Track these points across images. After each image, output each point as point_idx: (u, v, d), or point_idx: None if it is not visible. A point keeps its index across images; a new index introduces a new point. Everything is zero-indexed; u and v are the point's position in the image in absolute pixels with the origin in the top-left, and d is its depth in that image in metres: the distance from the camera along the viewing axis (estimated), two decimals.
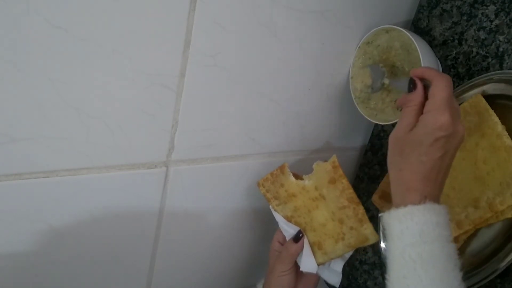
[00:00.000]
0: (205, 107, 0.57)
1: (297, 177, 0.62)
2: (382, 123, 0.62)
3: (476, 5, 0.58)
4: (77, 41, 0.45)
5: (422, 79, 0.50)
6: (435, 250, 0.44)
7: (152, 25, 0.48)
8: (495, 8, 0.56)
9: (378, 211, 0.69)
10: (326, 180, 0.59)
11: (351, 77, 0.65)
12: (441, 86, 0.47)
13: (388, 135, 0.70)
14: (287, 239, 0.62)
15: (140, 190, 0.58)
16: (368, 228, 0.58)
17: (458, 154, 0.57)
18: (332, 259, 0.62)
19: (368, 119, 0.63)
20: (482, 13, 0.57)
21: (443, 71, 0.62)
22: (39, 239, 0.54)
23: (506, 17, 0.55)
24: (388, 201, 0.65)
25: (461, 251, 0.58)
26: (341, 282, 0.64)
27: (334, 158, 0.59)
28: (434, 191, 0.47)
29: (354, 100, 0.65)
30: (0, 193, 0.49)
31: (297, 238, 0.61)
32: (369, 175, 0.74)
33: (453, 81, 0.61)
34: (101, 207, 0.56)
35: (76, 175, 0.52)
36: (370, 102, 0.64)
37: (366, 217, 0.58)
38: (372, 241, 0.59)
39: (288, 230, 0.62)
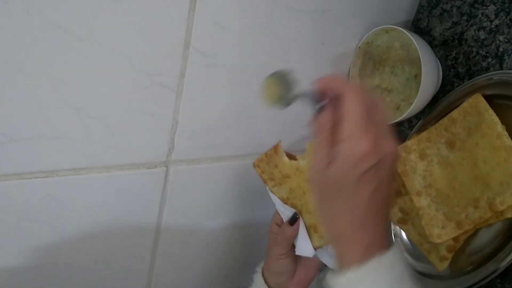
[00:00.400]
0: (205, 107, 0.57)
1: (291, 157, 0.58)
2: None
3: (476, 5, 0.58)
4: (77, 41, 0.45)
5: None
6: None
7: (152, 25, 0.48)
8: (495, 8, 0.56)
9: None
10: None
11: (351, 77, 0.65)
12: (352, 102, 0.38)
13: None
14: (284, 221, 0.58)
15: (140, 190, 0.58)
16: None
17: (458, 154, 0.57)
18: (329, 243, 0.57)
19: None
20: (482, 13, 0.57)
21: (443, 71, 0.62)
22: (39, 239, 0.54)
23: (506, 17, 0.55)
24: None
25: (461, 251, 0.58)
26: None
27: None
28: (376, 235, 0.38)
29: None
30: (0, 193, 0.49)
31: (293, 220, 0.57)
32: None
33: (453, 81, 0.61)
34: (101, 207, 0.57)
35: (76, 175, 0.52)
36: None
37: None
38: None
39: (285, 212, 0.59)
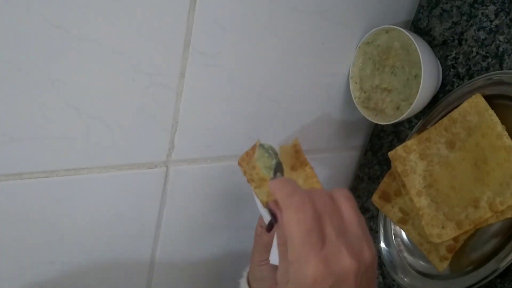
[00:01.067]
0: (205, 107, 0.57)
1: None
2: (382, 123, 0.62)
3: (476, 5, 0.58)
4: (77, 41, 0.45)
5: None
6: None
7: (152, 25, 0.48)
8: (495, 8, 0.56)
9: (378, 211, 0.69)
10: (288, 166, 0.52)
11: (351, 77, 0.65)
12: (291, 223, 0.34)
13: (388, 135, 0.71)
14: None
15: (140, 190, 0.58)
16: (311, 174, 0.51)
17: (458, 154, 0.57)
18: None
19: (368, 119, 0.63)
20: (482, 13, 0.57)
21: (443, 71, 0.62)
22: (38, 239, 0.54)
23: (506, 17, 0.55)
24: (388, 201, 0.65)
25: (461, 251, 0.58)
26: None
27: (296, 140, 0.52)
28: None
29: (354, 100, 0.65)
30: (0, 193, 0.49)
31: (270, 227, 0.49)
32: (369, 175, 0.74)
33: (453, 81, 0.61)
34: (101, 207, 0.57)
35: (76, 175, 0.52)
36: (370, 102, 0.64)
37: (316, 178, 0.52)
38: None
39: (265, 215, 0.55)
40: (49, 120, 0.47)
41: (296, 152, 0.51)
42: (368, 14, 0.62)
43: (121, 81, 0.49)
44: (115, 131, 0.52)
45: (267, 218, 0.54)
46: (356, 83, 0.65)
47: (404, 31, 0.58)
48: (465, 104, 0.56)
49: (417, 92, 0.56)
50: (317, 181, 0.49)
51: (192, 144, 0.58)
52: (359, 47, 0.63)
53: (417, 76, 0.59)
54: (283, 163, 0.51)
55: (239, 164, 0.57)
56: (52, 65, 0.45)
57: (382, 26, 0.60)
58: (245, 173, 0.56)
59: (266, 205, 0.54)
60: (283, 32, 0.56)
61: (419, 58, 0.56)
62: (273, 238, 0.53)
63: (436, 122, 0.59)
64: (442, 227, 0.57)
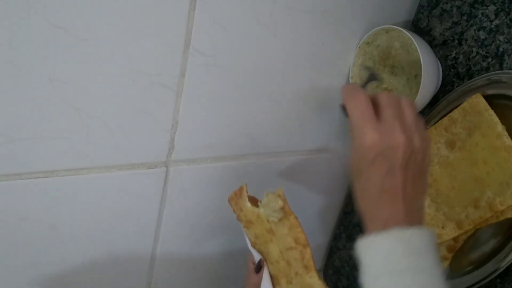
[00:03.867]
0: (205, 107, 0.57)
1: (254, 202, 0.56)
2: None
3: (476, 5, 0.58)
4: (77, 41, 0.45)
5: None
6: (406, 282, 0.39)
7: (152, 25, 0.48)
8: (495, 8, 0.56)
9: None
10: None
11: (351, 77, 0.65)
12: (349, 108, 0.44)
13: None
14: (255, 262, 0.58)
15: (140, 190, 0.58)
16: (313, 277, 0.51)
17: (458, 154, 0.57)
18: None
19: None
20: (482, 13, 0.57)
21: (443, 71, 0.62)
22: (39, 239, 0.54)
23: (506, 17, 0.55)
24: None
25: (461, 251, 0.58)
26: (341, 282, 0.64)
27: (280, 190, 0.53)
28: (397, 214, 0.41)
29: None
30: (0, 193, 0.49)
31: (258, 268, 0.56)
32: None
33: (453, 81, 0.61)
34: (101, 207, 0.57)
35: (76, 175, 0.52)
36: None
37: (312, 263, 0.52)
38: None
39: (255, 254, 0.58)
40: (49, 120, 0.47)
41: (283, 200, 0.53)
42: (368, 14, 0.62)
43: (121, 81, 0.49)
44: (115, 131, 0.52)
45: (256, 257, 0.57)
46: (356, 83, 0.65)
47: (404, 31, 0.58)
48: (465, 104, 0.56)
49: (417, 92, 0.56)
50: (301, 230, 0.52)
51: (192, 144, 0.58)
52: (359, 47, 0.63)
53: (417, 76, 0.59)
54: (270, 210, 0.53)
55: (229, 202, 0.58)
56: (52, 65, 0.45)
57: (382, 26, 0.60)
58: (234, 211, 0.57)
59: (253, 244, 0.57)
60: (283, 32, 0.56)
61: (419, 58, 0.56)
62: (261, 279, 0.56)
63: (436, 122, 0.59)
64: (442, 227, 0.57)
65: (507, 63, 0.55)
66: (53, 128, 0.48)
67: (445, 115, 0.58)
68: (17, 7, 0.41)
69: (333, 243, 0.82)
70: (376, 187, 0.42)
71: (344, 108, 0.45)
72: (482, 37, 0.57)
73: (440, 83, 0.61)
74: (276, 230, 0.54)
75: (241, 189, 0.56)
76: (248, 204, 0.55)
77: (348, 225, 0.78)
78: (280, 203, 0.52)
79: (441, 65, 0.62)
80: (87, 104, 0.49)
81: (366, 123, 0.42)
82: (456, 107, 0.57)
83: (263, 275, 0.56)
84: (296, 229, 0.52)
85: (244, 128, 0.61)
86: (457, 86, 0.60)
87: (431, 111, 0.61)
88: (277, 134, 0.65)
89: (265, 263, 0.56)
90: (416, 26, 0.65)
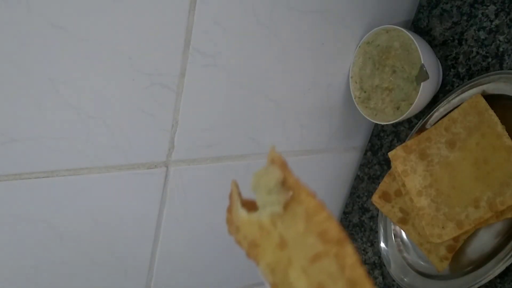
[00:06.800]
0: (205, 107, 0.57)
1: (251, 206, 0.34)
2: (382, 123, 0.62)
3: (476, 5, 0.58)
4: (77, 41, 0.45)
5: None
6: None
7: (152, 25, 0.48)
8: (495, 8, 0.56)
9: (378, 211, 0.69)
10: (273, 203, 0.31)
11: (351, 77, 0.65)
12: None
13: (388, 135, 0.71)
14: None
15: (140, 190, 0.58)
16: None
17: (458, 154, 0.57)
18: None
19: (368, 119, 0.63)
20: (482, 13, 0.57)
21: (443, 71, 0.62)
22: (39, 239, 0.54)
23: (506, 17, 0.55)
24: (388, 201, 0.65)
25: (461, 251, 0.58)
26: None
27: (271, 151, 0.31)
28: None
29: (354, 100, 0.65)
30: (0, 193, 0.49)
31: None
32: (369, 175, 0.74)
33: (453, 81, 0.61)
34: (101, 207, 0.56)
35: (76, 175, 0.52)
36: (370, 102, 0.64)
37: (362, 273, 0.27)
38: None
39: None
40: (49, 120, 0.47)
41: (281, 166, 0.30)
42: (368, 14, 0.62)
43: (121, 81, 0.49)
44: (115, 131, 0.52)
45: None
46: (356, 82, 0.65)
47: (405, 30, 0.58)
48: (465, 104, 0.56)
49: (417, 92, 0.56)
50: (326, 215, 0.28)
51: (192, 144, 0.58)
52: (359, 46, 0.63)
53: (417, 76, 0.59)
54: (261, 194, 0.32)
55: (227, 224, 0.39)
56: (52, 65, 0.45)
57: (382, 26, 0.60)
58: (239, 243, 0.37)
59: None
60: (283, 32, 0.56)
61: (419, 58, 0.56)
62: None
63: (436, 122, 0.59)
64: (442, 227, 0.57)
65: (507, 63, 0.55)
66: (53, 128, 0.48)
67: (445, 115, 0.58)
68: (17, 7, 0.41)
69: None
70: None
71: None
72: (482, 37, 0.57)
73: (440, 83, 0.61)
74: (286, 229, 0.31)
75: (230, 194, 0.37)
76: (243, 213, 0.34)
77: (348, 225, 0.78)
78: (276, 173, 0.29)
79: (441, 65, 0.62)
80: (87, 104, 0.49)
81: None
82: (456, 107, 0.57)
83: None
84: (318, 216, 0.28)
85: (244, 128, 0.61)
86: (457, 86, 0.60)
87: (431, 111, 0.61)
88: (277, 134, 0.65)
89: None
90: (416, 26, 0.65)
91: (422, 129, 0.61)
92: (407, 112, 0.58)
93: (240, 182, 0.67)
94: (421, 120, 0.63)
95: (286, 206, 0.30)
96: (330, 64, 0.63)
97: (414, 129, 0.64)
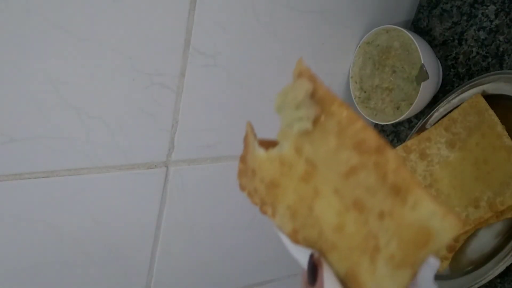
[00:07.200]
0: (205, 107, 0.56)
1: (269, 145, 0.33)
2: (382, 123, 0.62)
3: (476, 5, 0.58)
4: (77, 41, 0.45)
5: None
6: None
7: (152, 25, 0.48)
8: (495, 8, 0.56)
9: None
10: (303, 118, 0.28)
11: (351, 77, 0.65)
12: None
13: (388, 135, 0.70)
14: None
15: (140, 190, 0.58)
16: (420, 202, 0.23)
17: (458, 154, 0.57)
18: None
19: (368, 119, 0.63)
20: (482, 13, 0.57)
21: (443, 71, 0.62)
22: (39, 239, 0.54)
23: (506, 17, 0.55)
24: None
25: (461, 251, 0.58)
26: None
27: (299, 63, 0.31)
28: None
29: (354, 100, 0.65)
30: (0, 193, 0.49)
31: (312, 275, 0.30)
32: None
33: (453, 81, 0.61)
34: (101, 207, 0.56)
35: (76, 175, 0.52)
36: (370, 102, 0.64)
37: (407, 175, 0.24)
38: (441, 236, 0.23)
39: (300, 259, 0.31)
40: (49, 120, 0.47)
41: (310, 78, 0.28)
42: (368, 14, 0.62)
43: (121, 81, 0.49)
44: (115, 131, 0.52)
45: (300, 259, 0.31)
46: (356, 82, 0.65)
47: (404, 30, 0.58)
48: (465, 104, 0.56)
49: (417, 92, 0.56)
50: (362, 125, 0.25)
51: (192, 144, 0.58)
52: (359, 46, 0.63)
53: (417, 76, 0.59)
54: (287, 112, 0.29)
55: (241, 188, 0.37)
56: (52, 65, 0.45)
57: (382, 26, 0.60)
58: (252, 197, 0.35)
59: (293, 234, 0.31)
60: (283, 32, 0.56)
61: (419, 58, 0.56)
62: None
63: (436, 122, 0.59)
64: None
65: (507, 63, 0.55)
66: (53, 128, 0.48)
67: (445, 115, 0.58)
68: (17, 7, 0.41)
69: None
70: None
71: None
72: (482, 37, 0.57)
73: (440, 83, 0.61)
74: (315, 153, 0.27)
75: (245, 137, 0.35)
76: (261, 151, 0.32)
77: None
78: (305, 85, 0.28)
79: (441, 65, 0.62)
80: (87, 104, 0.49)
81: None
82: (456, 107, 0.57)
83: (324, 281, 0.28)
84: (352, 126, 0.25)
85: (244, 128, 0.61)
86: (457, 86, 0.60)
87: (431, 111, 0.61)
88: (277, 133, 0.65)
89: (321, 258, 0.29)
90: (416, 26, 0.65)
91: (422, 129, 0.61)
92: (407, 112, 0.58)
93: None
94: (421, 120, 0.63)
95: (316, 121, 0.27)
96: (330, 64, 0.63)
97: (414, 129, 0.64)
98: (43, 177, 0.50)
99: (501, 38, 0.55)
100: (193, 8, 0.49)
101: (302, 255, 0.30)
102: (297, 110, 0.28)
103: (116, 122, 0.51)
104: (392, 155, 0.24)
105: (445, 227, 0.22)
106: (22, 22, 0.41)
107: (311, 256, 0.30)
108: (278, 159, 0.30)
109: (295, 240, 0.31)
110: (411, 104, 0.58)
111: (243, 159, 0.34)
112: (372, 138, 0.25)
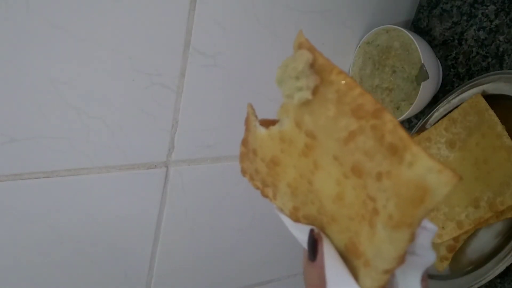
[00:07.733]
0: (205, 107, 0.56)
1: (269, 124, 0.35)
2: None
3: (476, 5, 0.58)
4: (77, 41, 0.45)
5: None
6: None
7: (152, 25, 0.48)
8: (495, 8, 0.56)
9: None
10: (302, 87, 0.29)
11: (351, 77, 0.65)
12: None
13: None
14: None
15: (140, 190, 0.58)
16: (416, 159, 0.23)
17: (458, 154, 0.57)
18: (390, 272, 0.27)
19: None
20: (482, 13, 0.57)
21: (443, 71, 0.62)
22: (39, 239, 0.54)
23: (506, 17, 0.55)
24: None
25: (461, 251, 0.58)
26: None
27: (299, 35, 0.32)
28: None
29: None
30: (0, 193, 0.49)
31: (312, 250, 0.31)
32: None
33: (453, 81, 0.61)
34: (101, 207, 0.56)
35: (76, 175, 0.52)
36: None
37: (404, 134, 0.24)
38: (438, 192, 0.23)
39: (300, 236, 0.33)
40: (49, 120, 0.47)
41: (310, 49, 0.29)
42: (368, 14, 0.62)
43: (121, 81, 0.49)
44: (115, 131, 0.52)
45: (301, 238, 0.33)
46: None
47: (405, 30, 0.58)
48: (465, 104, 0.56)
49: (417, 92, 0.56)
50: (360, 91, 0.26)
51: (192, 144, 0.58)
52: (359, 46, 0.63)
53: (417, 76, 0.59)
54: (287, 83, 0.30)
55: (243, 171, 0.38)
56: (52, 65, 0.45)
57: (382, 26, 0.60)
58: (253, 180, 0.36)
59: (293, 213, 0.33)
60: (283, 32, 0.56)
61: (419, 58, 0.56)
62: (322, 268, 0.31)
63: (436, 122, 0.59)
64: (442, 227, 0.57)
65: (507, 63, 0.55)
66: (53, 128, 0.48)
67: (445, 115, 0.58)
68: (17, 7, 0.41)
69: None
70: None
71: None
72: (482, 37, 0.57)
73: (440, 83, 0.61)
74: (314, 123, 0.28)
75: (246, 119, 0.36)
76: (262, 130, 0.34)
77: None
78: (305, 56, 0.29)
79: (441, 65, 0.62)
80: (87, 104, 0.49)
81: None
82: (456, 107, 0.57)
83: (324, 255, 0.30)
84: (350, 93, 0.26)
85: (244, 128, 0.61)
86: (457, 86, 0.60)
87: (431, 111, 0.61)
88: None
89: (320, 233, 0.31)
90: (416, 26, 0.65)
91: (422, 129, 0.61)
92: (407, 112, 0.58)
93: (239, 182, 0.67)
94: (421, 120, 0.63)
95: (316, 91, 0.28)
96: None
97: (414, 129, 0.64)
98: (43, 177, 0.50)
99: (501, 38, 0.55)
100: (193, 8, 0.49)
101: (302, 234, 0.32)
102: (297, 80, 0.29)
103: (116, 122, 0.51)
104: (389, 117, 0.25)
105: (442, 182, 0.23)
106: (22, 22, 0.41)
107: (311, 231, 0.31)
108: (279, 136, 0.31)
109: (296, 218, 0.32)
110: (411, 104, 0.58)
111: (244, 141, 0.36)
112: (370, 102, 0.26)
